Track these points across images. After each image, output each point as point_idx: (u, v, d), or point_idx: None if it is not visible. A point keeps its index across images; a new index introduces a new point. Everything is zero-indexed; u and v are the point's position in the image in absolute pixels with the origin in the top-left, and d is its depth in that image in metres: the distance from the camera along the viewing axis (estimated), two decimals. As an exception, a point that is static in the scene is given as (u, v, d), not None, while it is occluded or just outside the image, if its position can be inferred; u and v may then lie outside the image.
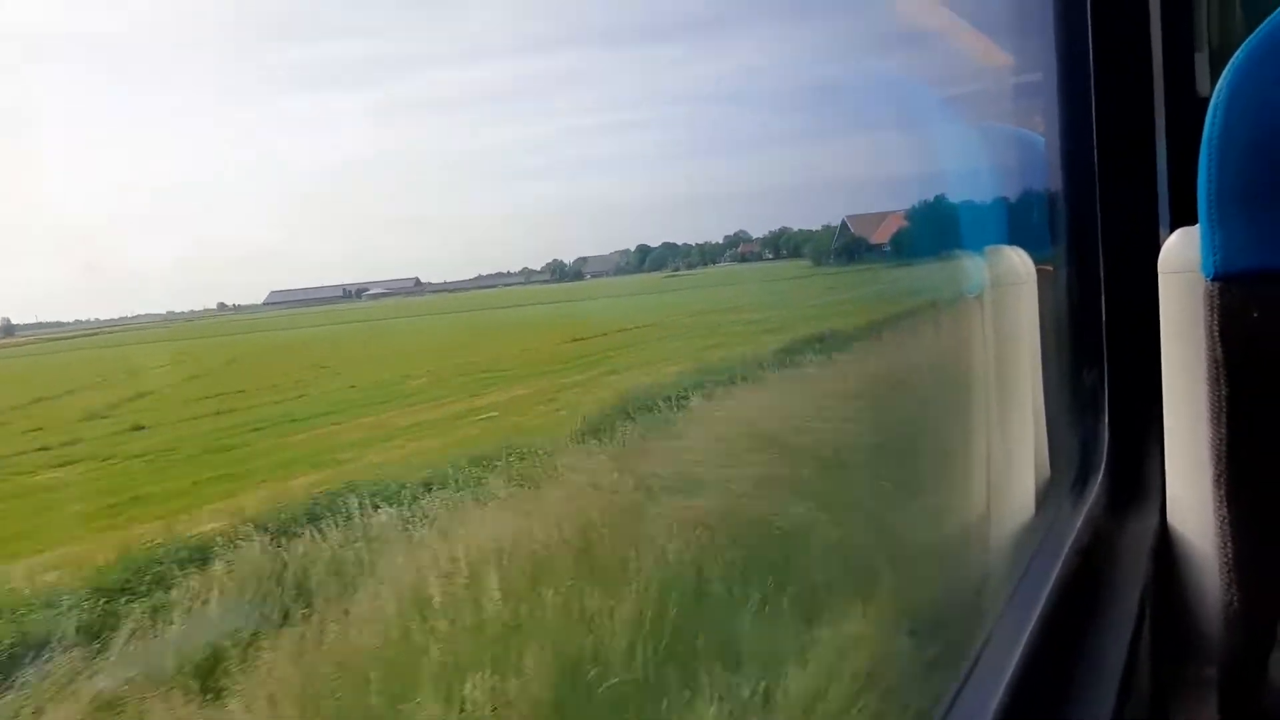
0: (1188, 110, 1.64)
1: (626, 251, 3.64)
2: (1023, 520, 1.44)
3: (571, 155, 2.92)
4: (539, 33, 2.63)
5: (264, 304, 2.27)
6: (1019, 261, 1.54)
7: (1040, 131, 1.77)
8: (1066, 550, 1.21)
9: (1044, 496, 1.48)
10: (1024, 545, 1.35)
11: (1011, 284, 1.52)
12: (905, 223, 3.81)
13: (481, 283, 3.08)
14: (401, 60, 2.24)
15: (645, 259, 3.64)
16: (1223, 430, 1.23)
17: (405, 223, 2.47)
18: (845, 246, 4.15)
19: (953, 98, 2.04)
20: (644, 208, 3.47)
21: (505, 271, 3.20)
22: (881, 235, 4.06)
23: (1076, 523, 1.31)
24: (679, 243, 3.79)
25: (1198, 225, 1.24)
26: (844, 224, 4.26)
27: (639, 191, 3.34)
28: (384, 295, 2.76)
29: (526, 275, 3.24)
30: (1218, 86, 1.19)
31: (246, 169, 1.91)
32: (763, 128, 3.05)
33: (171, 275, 1.96)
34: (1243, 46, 1.19)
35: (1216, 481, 1.24)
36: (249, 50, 1.85)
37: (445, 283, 3.00)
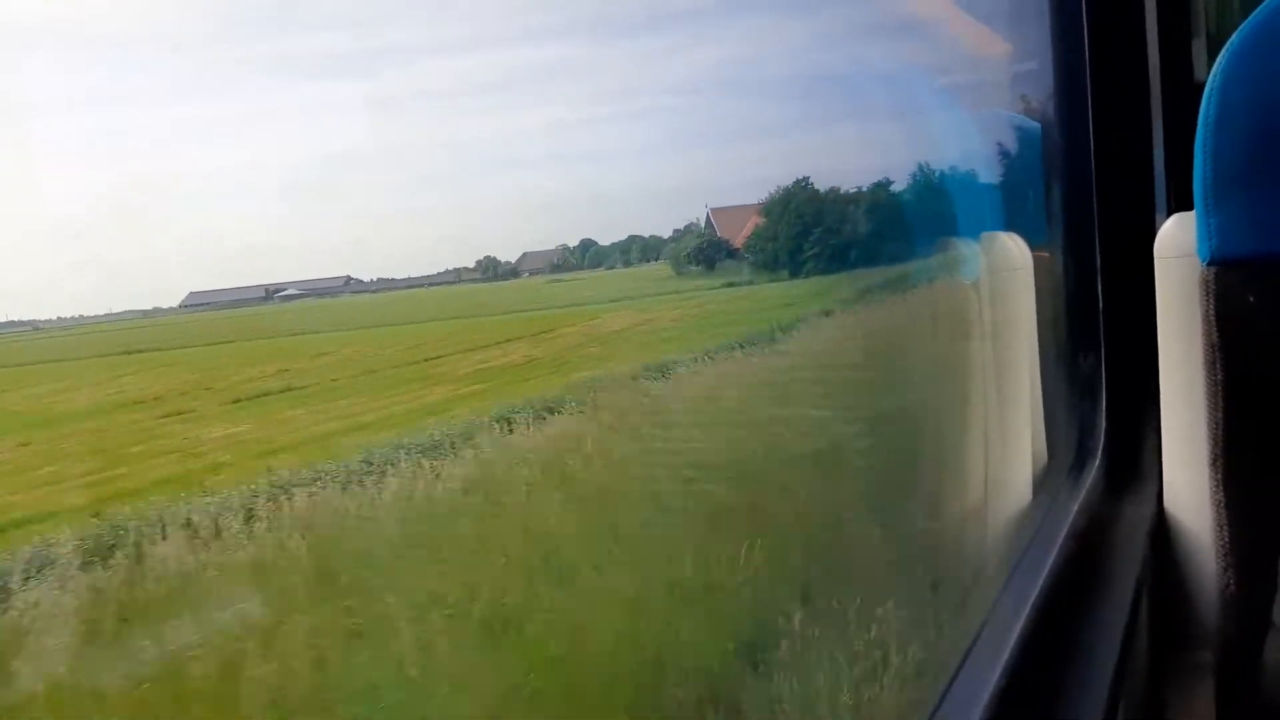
0: (1184, 96, 1.64)
1: (566, 247, 3.34)
2: (1020, 505, 1.44)
3: (561, 147, 2.90)
4: (530, 23, 2.62)
5: (181, 306, 2.12)
6: (1015, 248, 1.54)
7: (1036, 118, 1.77)
8: (1063, 535, 1.21)
9: (1041, 482, 1.48)
10: (1021, 530, 1.35)
11: (1008, 270, 1.52)
12: (761, 220, 3.35)
13: (414, 282, 2.90)
14: (391, 50, 2.23)
15: (586, 254, 3.43)
16: (1219, 415, 1.23)
17: (387, 217, 2.43)
18: (702, 250, 3.42)
19: (948, 85, 2.03)
20: (630, 199, 3.42)
21: (462, 267, 3.05)
22: (743, 239, 3.46)
23: (1073, 507, 1.31)
24: (645, 235, 3.56)
25: (1194, 211, 1.24)
26: (708, 218, 3.49)
27: (627, 182, 3.30)
28: (298, 296, 2.57)
29: (458, 274, 3.05)
30: (1213, 72, 1.19)
31: (229, 161, 1.90)
32: (755, 118, 3.04)
33: (165, 270, 1.95)
34: (1238, 31, 1.19)
35: (1213, 466, 1.24)
36: (233, 41, 1.84)
37: (376, 281, 2.80)
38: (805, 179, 3.29)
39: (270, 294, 2.43)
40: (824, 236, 3.25)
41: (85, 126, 1.51)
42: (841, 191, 3.38)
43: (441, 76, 2.41)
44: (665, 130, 3.28)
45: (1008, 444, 1.47)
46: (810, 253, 3.24)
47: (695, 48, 3.07)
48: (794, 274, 3.38)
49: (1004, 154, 1.78)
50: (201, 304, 2.20)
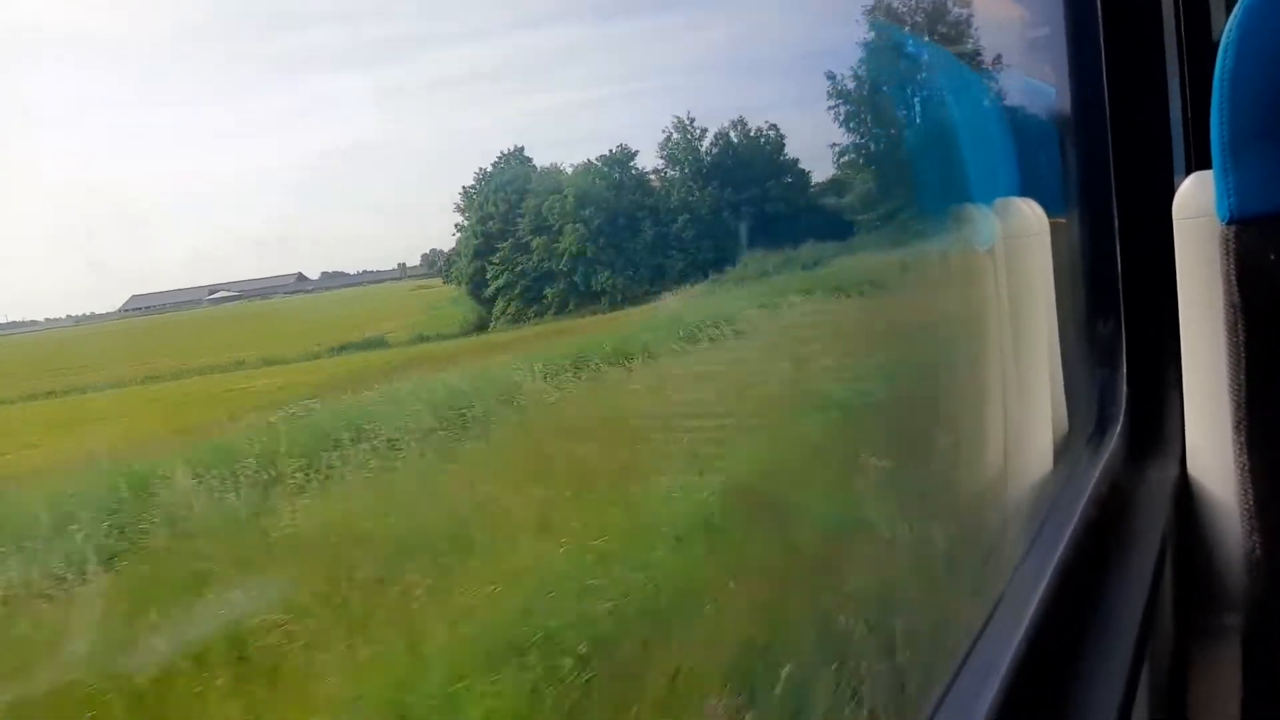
0: (1201, 55, 1.61)
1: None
2: (1041, 473, 1.43)
3: (568, 130, 2.86)
4: (534, 9, 2.60)
5: (121, 310, 1.99)
6: (1031, 214, 1.52)
7: (1051, 82, 1.75)
8: (1085, 500, 1.20)
9: (1062, 448, 1.47)
10: (1042, 497, 1.34)
11: (1024, 236, 1.50)
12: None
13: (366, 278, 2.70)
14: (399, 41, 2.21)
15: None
16: (1241, 375, 1.21)
17: (393, 209, 2.33)
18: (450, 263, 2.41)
19: (959, 53, 2.01)
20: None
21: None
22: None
23: (1095, 473, 1.30)
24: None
25: (1212, 169, 1.22)
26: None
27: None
28: (234, 298, 2.34)
29: (402, 270, 2.77)
30: (1228, 26, 1.17)
31: (239, 159, 1.88)
32: (752, 97, 3.00)
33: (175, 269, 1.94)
34: None
35: (1236, 427, 1.23)
36: (230, 38, 1.83)
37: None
38: (518, 150, 2.09)
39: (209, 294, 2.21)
40: (514, 254, 2.09)
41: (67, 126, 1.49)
42: (563, 169, 2.21)
43: (444, 66, 2.39)
44: (664, 111, 3.24)
45: (1027, 413, 1.46)
46: (496, 283, 2.10)
47: (693, 30, 3.05)
48: (481, 323, 2.08)
49: (1017, 119, 1.75)
50: (141, 308, 2.03)
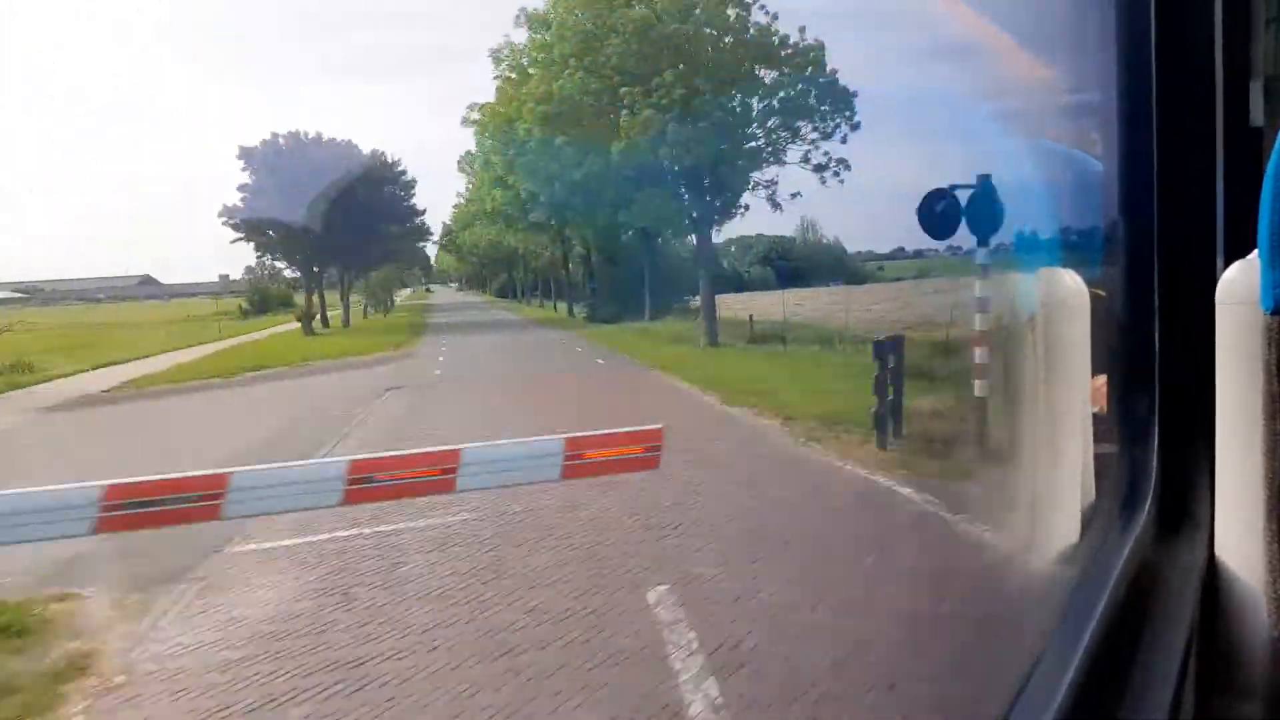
0: (1244, 138, 1.61)
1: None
2: (1067, 541, 1.43)
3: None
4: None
5: None
6: (1071, 283, 1.53)
7: (1094, 153, 1.75)
8: (1113, 580, 1.20)
9: (1088, 523, 1.46)
10: (1067, 573, 1.34)
11: (1063, 305, 1.50)
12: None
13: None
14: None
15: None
16: (1276, 465, 1.21)
17: None
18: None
19: (1006, 114, 2.02)
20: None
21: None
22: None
23: (1123, 552, 1.29)
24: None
25: (1257, 256, 1.22)
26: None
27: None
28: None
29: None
30: None
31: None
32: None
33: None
34: None
35: (1269, 517, 1.22)
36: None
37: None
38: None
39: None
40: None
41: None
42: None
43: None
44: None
45: (1057, 480, 1.46)
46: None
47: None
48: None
49: (1061, 188, 1.76)
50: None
